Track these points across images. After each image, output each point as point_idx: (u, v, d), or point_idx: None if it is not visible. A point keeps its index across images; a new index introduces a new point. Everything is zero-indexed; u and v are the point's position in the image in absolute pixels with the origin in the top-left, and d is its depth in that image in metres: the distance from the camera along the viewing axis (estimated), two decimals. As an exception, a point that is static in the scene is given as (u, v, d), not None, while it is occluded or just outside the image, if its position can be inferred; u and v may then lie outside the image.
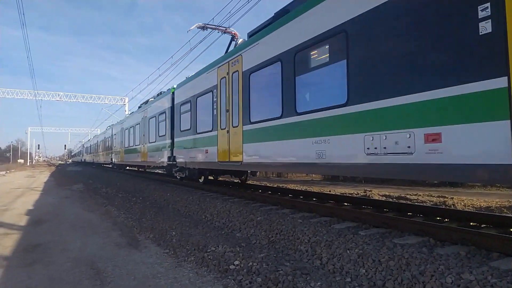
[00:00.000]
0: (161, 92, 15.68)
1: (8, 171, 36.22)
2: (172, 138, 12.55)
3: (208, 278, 4.15)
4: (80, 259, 4.94)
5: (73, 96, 45.91)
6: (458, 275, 3.25)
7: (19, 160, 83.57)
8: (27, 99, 43.46)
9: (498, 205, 8.17)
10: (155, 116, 14.69)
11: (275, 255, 4.75)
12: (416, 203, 8.31)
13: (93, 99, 47.06)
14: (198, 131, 10.33)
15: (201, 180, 12.04)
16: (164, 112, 13.58)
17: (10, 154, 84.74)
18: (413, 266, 3.62)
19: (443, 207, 7.89)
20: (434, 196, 9.94)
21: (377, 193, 11.02)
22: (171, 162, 12.63)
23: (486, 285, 3.03)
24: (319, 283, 3.70)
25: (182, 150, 11.65)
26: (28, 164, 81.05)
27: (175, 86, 12.75)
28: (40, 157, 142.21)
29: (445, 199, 9.23)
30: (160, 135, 13.98)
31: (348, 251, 4.30)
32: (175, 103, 12.44)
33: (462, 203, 8.62)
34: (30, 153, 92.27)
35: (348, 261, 4.14)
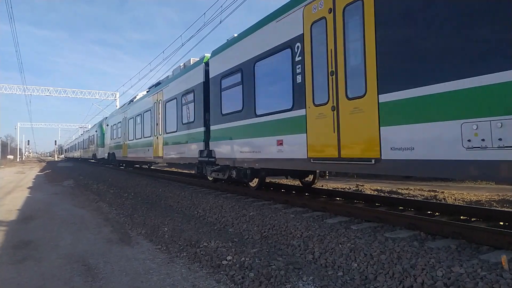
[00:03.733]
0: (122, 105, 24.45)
1: (-3, 167, 35.68)
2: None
3: (200, 273, 4.14)
4: (72, 256, 4.89)
5: (63, 91, 45.34)
6: (448, 268, 3.28)
7: (9, 156, 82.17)
8: (16, 94, 42.85)
9: (488, 199, 8.27)
10: (115, 124, 22.46)
11: (267, 250, 4.76)
12: (407, 197, 8.38)
13: (83, 94, 46.47)
14: (129, 138, 18.14)
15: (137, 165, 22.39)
16: (119, 122, 20.91)
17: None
18: (404, 260, 3.66)
19: (434, 201, 7.97)
20: (425, 191, 10.02)
21: (369, 187, 11.09)
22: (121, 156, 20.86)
23: (476, 277, 3.06)
24: (311, 278, 3.72)
25: (128, 149, 19.01)
26: (18, 160, 79.91)
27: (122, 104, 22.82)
28: (30, 153, 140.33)
29: (436, 193, 9.30)
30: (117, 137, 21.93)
31: (340, 246, 4.33)
32: (127, 117, 19.54)
33: (453, 197, 8.70)
34: (20, 149, 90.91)
35: (340, 255, 4.16)
